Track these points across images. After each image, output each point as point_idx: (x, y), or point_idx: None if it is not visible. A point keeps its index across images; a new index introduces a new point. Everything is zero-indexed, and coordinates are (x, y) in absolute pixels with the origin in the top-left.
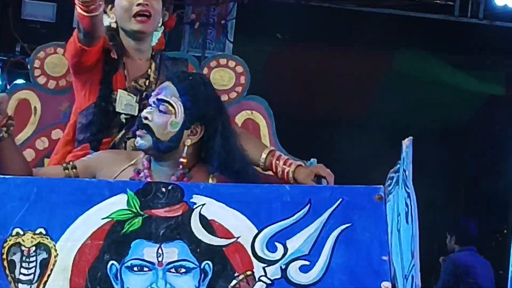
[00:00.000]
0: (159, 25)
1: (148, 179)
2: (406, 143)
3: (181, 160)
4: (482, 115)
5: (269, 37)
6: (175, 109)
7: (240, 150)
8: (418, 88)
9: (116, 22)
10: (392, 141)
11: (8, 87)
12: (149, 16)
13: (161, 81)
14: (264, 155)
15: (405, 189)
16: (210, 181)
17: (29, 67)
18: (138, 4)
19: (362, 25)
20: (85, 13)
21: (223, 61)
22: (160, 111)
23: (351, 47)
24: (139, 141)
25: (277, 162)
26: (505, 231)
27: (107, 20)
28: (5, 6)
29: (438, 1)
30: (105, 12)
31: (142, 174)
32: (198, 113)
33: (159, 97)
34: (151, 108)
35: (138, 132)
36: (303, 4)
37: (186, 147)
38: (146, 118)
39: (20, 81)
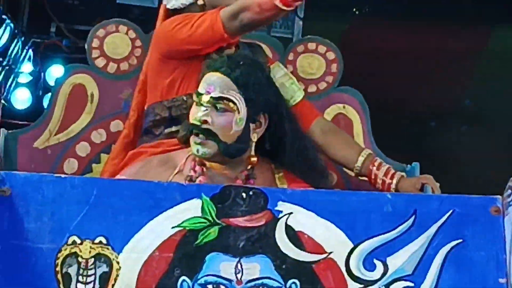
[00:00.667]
0: None
1: (207, 182)
2: None
3: (252, 159)
4: None
5: (346, 12)
6: (236, 105)
7: (309, 137)
8: None
9: None
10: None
11: (43, 74)
12: None
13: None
14: (361, 159)
15: None
16: (277, 181)
17: (86, 47)
18: None
19: None
20: (284, 7)
21: (311, 45)
22: (218, 110)
23: (441, 23)
24: (200, 150)
25: (377, 171)
26: None
27: None
28: None
29: None
30: None
31: (200, 179)
32: (261, 102)
33: (213, 94)
34: (205, 109)
35: (195, 139)
36: None
37: (253, 143)
38: (205, 122)
39: (54, 65)
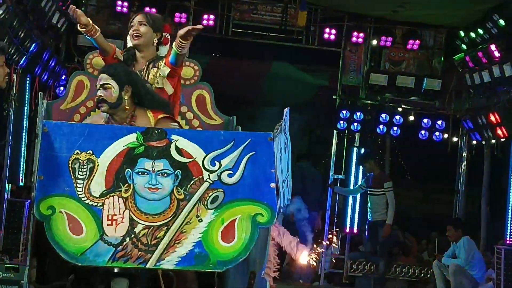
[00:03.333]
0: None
1: (114, 123)
2: (286, 110)
3: (126, 107)
4: (316, 96)
5: (209, 54)
6: (111, 84)
7: (153, 90)
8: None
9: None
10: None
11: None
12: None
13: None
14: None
15: (284, 134)
16: (149, 115)
17: (83, 63)
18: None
19: None
20: (179, 51)
21: (189, 63)
22: (104, 89)
23: (253, 61)
24: (101, 108)
25: None
26: None
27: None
28: (68, 37)
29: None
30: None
31: (110, 122)
32: (125, 81)
33: (101, 82)
34: (100, 91)
35: (99, 105)
36: None
37: (126, 100)
38: (100, 96)
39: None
